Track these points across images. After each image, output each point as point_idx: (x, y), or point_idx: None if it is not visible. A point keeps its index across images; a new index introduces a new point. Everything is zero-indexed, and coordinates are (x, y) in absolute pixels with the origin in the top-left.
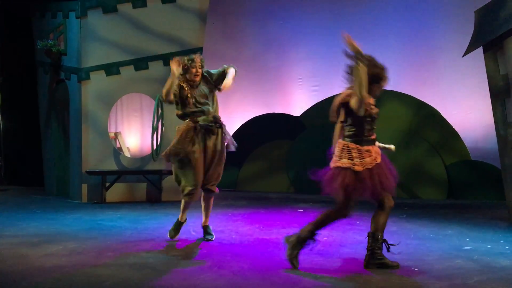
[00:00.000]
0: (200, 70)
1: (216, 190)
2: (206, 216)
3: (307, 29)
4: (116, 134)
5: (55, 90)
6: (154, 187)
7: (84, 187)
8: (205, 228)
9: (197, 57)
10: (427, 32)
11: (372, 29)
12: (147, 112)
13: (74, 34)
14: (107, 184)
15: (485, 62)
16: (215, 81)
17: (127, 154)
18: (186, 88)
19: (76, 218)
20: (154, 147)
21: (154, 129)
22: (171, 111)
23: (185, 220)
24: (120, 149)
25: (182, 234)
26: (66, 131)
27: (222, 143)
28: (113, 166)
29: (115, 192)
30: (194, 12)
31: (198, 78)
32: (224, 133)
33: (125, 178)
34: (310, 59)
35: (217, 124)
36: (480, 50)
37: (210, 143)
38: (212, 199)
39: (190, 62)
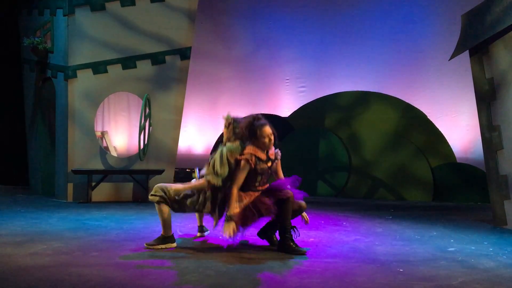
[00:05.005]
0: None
1: None
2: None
3: (295, 30)
4: (102, 133)
5: (41, 88)
6: (140, 187)
7: (70, 186)
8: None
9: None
10: (414, 35)
11: (359, 32)
12: (135, 111)
13: (61, 32)
14: (93, 184)
15: (471, 66)
16: None
17: (114, 154)
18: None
19: (61, 218)
20: (141, 146)
21: (142, 129)
22: (159, 111)
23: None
24: (107, 148)
25: None
26: (52, 129)
27: None
28: (99, 166)
29: (101, 191)
30: (183, 12)
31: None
32: None
33: (112, 178)
34: (297, 60)
35: None
36: (466, 54)
37: None
38: None
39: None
